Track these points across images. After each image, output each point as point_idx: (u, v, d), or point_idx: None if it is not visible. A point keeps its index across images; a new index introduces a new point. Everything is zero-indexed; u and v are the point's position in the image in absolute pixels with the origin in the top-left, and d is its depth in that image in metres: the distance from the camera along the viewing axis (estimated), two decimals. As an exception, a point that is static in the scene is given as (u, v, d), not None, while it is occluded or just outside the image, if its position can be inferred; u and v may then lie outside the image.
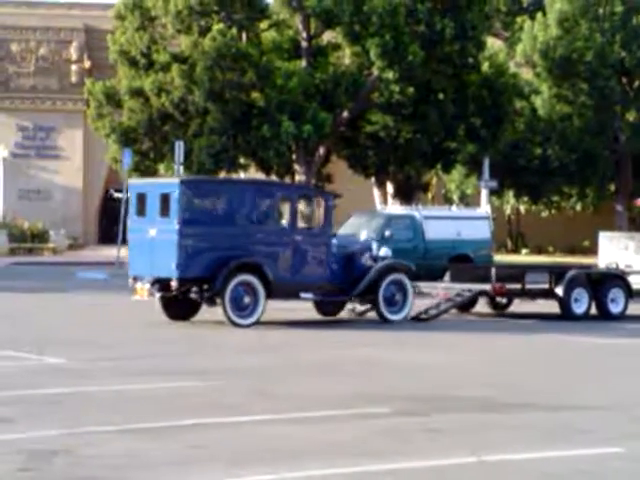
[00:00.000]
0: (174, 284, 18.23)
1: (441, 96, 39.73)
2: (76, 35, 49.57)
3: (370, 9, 37.45)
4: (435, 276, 23.29)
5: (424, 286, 21.96)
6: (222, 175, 42.28)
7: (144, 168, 39.58)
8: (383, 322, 19.72)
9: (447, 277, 22.60)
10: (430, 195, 48.01)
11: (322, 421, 10.44)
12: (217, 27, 38.07)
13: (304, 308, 20.48)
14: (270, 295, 18.76)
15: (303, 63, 39.83)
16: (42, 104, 49.39)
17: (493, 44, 43.98)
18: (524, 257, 45.99)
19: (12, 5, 50.83)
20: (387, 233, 28.06)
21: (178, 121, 39.01)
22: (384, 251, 20.55)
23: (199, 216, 18.64)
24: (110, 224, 45.49)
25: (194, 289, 18.55)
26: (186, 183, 19.00)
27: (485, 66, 40.92)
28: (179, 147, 35.47)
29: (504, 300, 22.69)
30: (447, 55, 38.95)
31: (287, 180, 42.11)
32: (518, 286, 21.44)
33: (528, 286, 21.48)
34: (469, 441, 9.57)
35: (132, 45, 39.38)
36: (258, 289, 18.56)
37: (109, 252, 39.02)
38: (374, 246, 20.69)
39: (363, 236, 21.97)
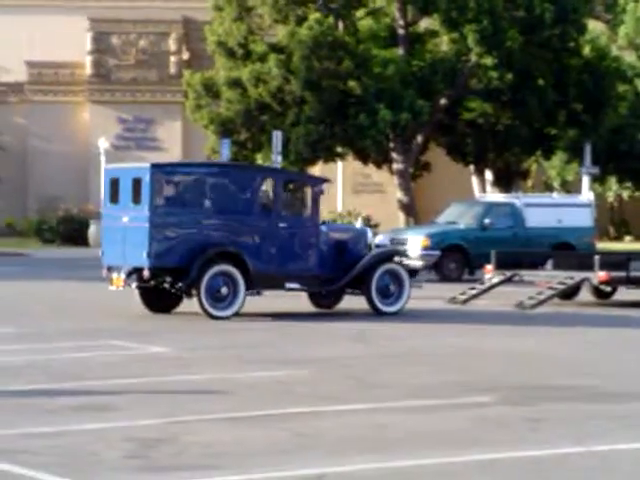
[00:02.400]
0: (146, 274, 17.37)
1: (541, 81, 39.20)
2: (174, 27, 50.13)
3: (467, -5, 37.15)
4: (536, 264, 23.02)
5: (526, 274, 21.71)
6: (319, 164, 42.44)
7: (242, 158, 39.86)
8: (376, 314, 18.39)
9: (549, 265, 22.31)
10: (530, 182, 47.46)
11: (424, 410, 10.39)
12: (314, 16, 38.13)
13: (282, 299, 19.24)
14: (251, 285, 17.72)
15: (400, 51, 39.67)
16: (142, 96, 50.08)
17: (595, 27, 43.23)
18: (628, 244, 45.18)
19: (112, -1, 51.62)
20: (487, 221, 27.85)
21: (275, 111, 39.20)
22: (380, 239, 19.41)
23: (172, 202, 17.71)
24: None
25: (168, 279, 17.57)
26: (157, 167, 17.99)
27: (586, 50, 40.24)
28: (277, 137, 35.57)
29: (608, 288, 22.33)
30: (547, 39, 38.42)
31: (384, 168, 42.05)
32: (622, 274, 21.06)
33: (633, 274, 21.08)
34: (573, 431, 9.43)
35: (230, 36, 39.66)
36: (237, 279, 17.50)
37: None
38: (369, 234, 19.48)
39: (359, 223, 20.76)
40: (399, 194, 40.62)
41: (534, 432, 9.45)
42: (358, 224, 20.61)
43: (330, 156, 40.64)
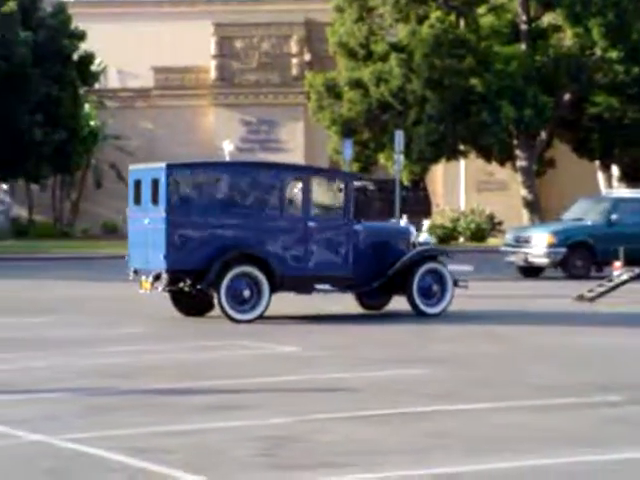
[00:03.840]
0: (164, 277, 16.88)
1: (669, 74, 38.36)
2: (296, 29, 50.50)
3: (592, -12, 36.59)
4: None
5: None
6: (442, 162, 42.27)
7: (364, 158, 40.00)
8: (418, 315, 17.77)
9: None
10: (658, 177, 46.40)
11: (553, 409, 10.31)
12: (435, 14, 38.04)
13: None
14: (277, 288, 17.12)
15: (522, 46, 39.28)
16: (265, 98, 50.57)
17: None
18: None
19: (236, 3, 52.30)
20: (614, 217, 27.38)
21: (397, 110, 39.21)
22: (424, 237, 18.79)
23: (190, 203, 17.14)
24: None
25: (188, 282, 16.97)
26: (173, 167, 17.43)
27: None
28: (399, 136, 35.54)
29: None
30: (675, 31, 37.61)
31: (507, 166, 41.66)
32: None
33: None
34: None
35: (351, 36, 39.83)
36: (261, 282, 16.92)
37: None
38: (413, 232, 18.67)
39: (403, 222, 19.97)
40: (523, 191, 40.19)
41: (667, 432, 9.31)
42: (402, 222, 20.09)
43: (452, 154, 40.47)
